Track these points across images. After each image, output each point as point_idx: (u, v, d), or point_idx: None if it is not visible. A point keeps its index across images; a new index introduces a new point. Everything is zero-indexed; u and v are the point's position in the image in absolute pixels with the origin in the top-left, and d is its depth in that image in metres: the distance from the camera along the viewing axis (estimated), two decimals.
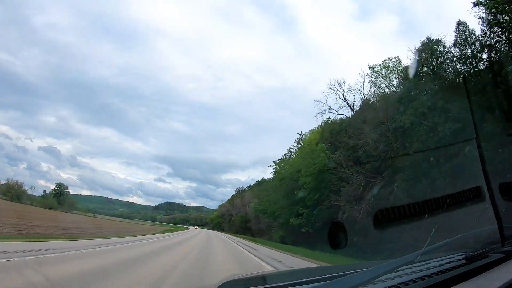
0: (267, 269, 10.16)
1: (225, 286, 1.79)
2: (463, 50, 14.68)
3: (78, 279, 5.64)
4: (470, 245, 1.83)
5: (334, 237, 9.36)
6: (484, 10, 13.22)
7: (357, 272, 1.37)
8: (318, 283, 1.45)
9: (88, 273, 6.27)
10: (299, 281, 1.68)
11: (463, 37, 14.62)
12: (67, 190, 72.77)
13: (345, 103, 26.44)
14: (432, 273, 1.51)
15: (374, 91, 24.15)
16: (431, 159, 13.19)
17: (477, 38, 14.05)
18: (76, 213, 61.23)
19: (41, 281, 5.07)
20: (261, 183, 65.49)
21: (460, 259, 1.69)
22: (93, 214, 74.31)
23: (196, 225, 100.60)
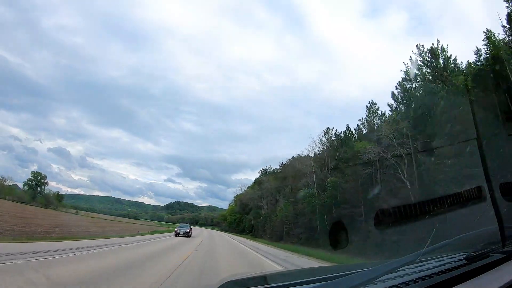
0: None
1: (226, 286, 1.79)
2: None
3: None
4: (471, 245, 1.82)
5: None
6: None
7: (358, 272, 1.37)
8: (318, 283, 1.45)
9: None
10: (299, 281, 1.68)
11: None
12: (45, 181, 67.99)
13: None
14: (432, 273, 1.51)
15: None
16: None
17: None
18: (54, 209, 57.50)
19: None
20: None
21: (461, 259, 1.69)
22: (75, 211, 70.85)
23: (196, 223, 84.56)
